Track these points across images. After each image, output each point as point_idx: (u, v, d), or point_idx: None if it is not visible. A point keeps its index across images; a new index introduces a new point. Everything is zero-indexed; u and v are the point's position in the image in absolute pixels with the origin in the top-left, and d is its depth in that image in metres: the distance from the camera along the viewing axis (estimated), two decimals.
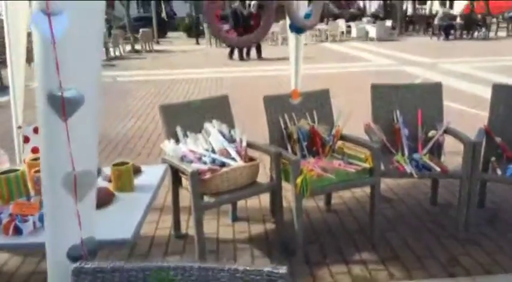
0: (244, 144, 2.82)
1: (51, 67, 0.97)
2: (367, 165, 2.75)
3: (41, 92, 0.99)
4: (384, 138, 3.14)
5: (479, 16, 21.24)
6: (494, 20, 22.25)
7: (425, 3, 34.18)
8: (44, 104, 0.99)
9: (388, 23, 21.68)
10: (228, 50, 14.24)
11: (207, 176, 2.49)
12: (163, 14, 27.07)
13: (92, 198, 1.13)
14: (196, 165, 2.50)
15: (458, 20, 20.61)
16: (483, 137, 2.91)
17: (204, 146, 2.76)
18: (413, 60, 12.51)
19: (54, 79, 0.98)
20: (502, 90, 3.07)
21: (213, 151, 2.72)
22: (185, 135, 2.81)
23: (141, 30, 17.97)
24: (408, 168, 2.83)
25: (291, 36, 4.64)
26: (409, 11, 30.61)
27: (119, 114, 6.76)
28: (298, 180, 2.51)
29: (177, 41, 22.86)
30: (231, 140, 2.83)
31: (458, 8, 30.89)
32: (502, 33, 20.89)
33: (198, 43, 20.86)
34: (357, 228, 3.05)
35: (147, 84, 9.60)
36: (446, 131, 3.08)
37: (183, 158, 2.58)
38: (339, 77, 9.98)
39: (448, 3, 35.18)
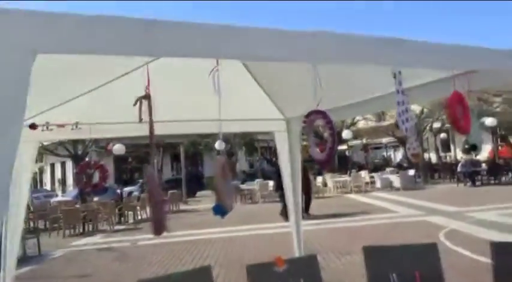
0: None
1: None
2: None
3: None
4: None
5: (502, 161, 21.35)
6: None
7: (449, 151, 35.00)
8: None
9: (412, 172, 21.93)
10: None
11: None
12: None
13: None
14: None
15: (484, 165, 20.70)
16: None
17: None
18: (440, 210, 12.19)
19: None
20: (503, 249, 2.85)
21: None
22: None
23: (169, 192, 18.80)
24: None
25: (288, 192, 4.73)
26: (434, 159, 31.22)
27: None
28: None
29: (205, 200, 23.54)
30: None
31: (485, 153, 31.37)
32: None
33: None
34: None
35: (166, 247, 9.55)
36: None
37: None
38: (360, 231, 9.72)
39: (473, 153, 35.87)
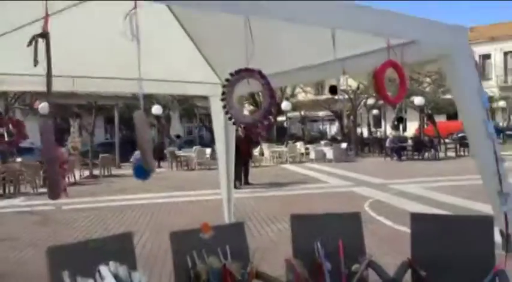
0: None
1: None
2: None
3: None
4: (305, 274, 2.89)
5: (427, 138, 22.85)
6: (443, 141, 23.92)
7: (380, 127, 36.83)
8: None
9: (344, 145, 22.80)
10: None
11: None
12: None
13: None
14: None
15: (409, 142, 22.02)
16: (405, 271, 2.71)
17: None
18: (367, 181, 12.80)
19: None
20: (421, 220, 2.97)
21: None
22: None
23: (100, 156, 18.04)
24: None
25: (221, 159, 4.64)
26: (365, 134, 32.73)
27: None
28: None
29: None
30: None
31: (412, 130, 33.37)
32: (452, 154, 22.20)
33: (159, 166, 20.95)
34: None
35: (94, 212, 9.19)
36: (369, 265, 2.88)
37: None
38: (292, 199, 9.95)
39: (401, 126, 38.05)
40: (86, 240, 2.66)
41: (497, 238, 2.81)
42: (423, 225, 2.93)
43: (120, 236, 2.78)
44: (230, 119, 2.29)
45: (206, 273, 2.68)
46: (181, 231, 2.81)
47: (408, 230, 6.56)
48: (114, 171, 18.92)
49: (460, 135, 30.17)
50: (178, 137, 22.72)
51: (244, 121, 2.20)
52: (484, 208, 7.91)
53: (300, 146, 22.92)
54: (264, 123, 2.24)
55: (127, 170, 20.65)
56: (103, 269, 2.56)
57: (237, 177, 12.74)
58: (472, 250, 2.74)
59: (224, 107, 2.29)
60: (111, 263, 2.60)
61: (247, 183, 13.01)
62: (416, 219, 2.98)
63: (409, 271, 2.84)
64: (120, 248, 2.72)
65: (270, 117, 2.58)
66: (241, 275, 2.75)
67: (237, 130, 13.23)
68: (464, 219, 2.83)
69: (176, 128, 21.76)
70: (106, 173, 17.77)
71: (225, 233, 2.92)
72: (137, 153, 2.30)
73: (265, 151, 22.05)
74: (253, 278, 2.80)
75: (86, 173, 17.71)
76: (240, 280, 2.74)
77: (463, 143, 23.42)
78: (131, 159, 2.35)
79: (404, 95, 2.43)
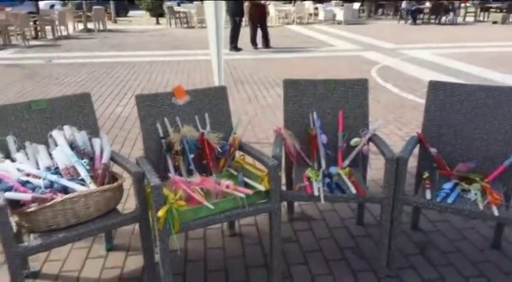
0: (104, 159, 2.14)
1: None
2: (262, 187, 2.12)
3: None
4: (297, 146, 2.53)
5: (446, 1, 20.99)
6: (464, 4, 22.00)
7: None
8: None
9: (356, 5, 21.10)
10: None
11: (32, 208, 1.81)
12: None
13: None
14: (12, 194, 1.81)
15: (427, 4, 20.25)
16: (413, 147, 2.32)
17: (46, 162, 2.07)
18: (377, 46, 11.98)
19: None
20: (439, 89, 2.47)
21: (57, 170, 2.04)
22: (21, 148, 2.11)
23: (94, 7, 16.80)
24: (316, 189, 2.22)
25: (210, 18, 3.97)
26: None
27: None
28: (161, 212, 1.87)
29: (137, 21, 21.69)
30: (87, 154, 2.15)
31: None
32: (470, 19, 20.66)
33: (158, 23, 19.79)
34: (260, 262, 2.44)
35: (84, 68, 8.72)
36: (371, 139, 2.48)
37: None
38: (297, 63, 9.34)
39: None
40: (29, 102, 2.21)
41: None
42: (442, 96, 2.45)
43: (77, 97, 2.33)
44: None
45: (180, 143, 2.30)
46: (149, 94, 2.34)
47: (416, 99, 6.13)
48: (110, 26, 17.89)
49: None
50: None
51: None
52: (502, 78, 7.39)
53: (308, 5, 21.21)
54: None
55: (123, 25, 19.56)
56: (56, 133, 2.17)
57: (253, 41, 11.68)
58: (497, 128, 2.31)
59: None
60: (66, 127, 2.21)
61: (267, 46, 11.86)
62: (435, 87, 2.48)
63: (418, 147, 2.46)
64: (78, 110, 2.30)
65: None
66: (221, 146, 2.38)
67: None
68: (493, 90, 2.33)
69: None
70: (101, 28, 16.77)
71: (205, 99, 2.46)
72: None
73: (270, 10, 20.49)
74: (235, 150, 2.44)
75: (81, 26, 16.71)
76: (219, 152, 2.37)
77: (484, 7, 21.59)
78: None
79: None
